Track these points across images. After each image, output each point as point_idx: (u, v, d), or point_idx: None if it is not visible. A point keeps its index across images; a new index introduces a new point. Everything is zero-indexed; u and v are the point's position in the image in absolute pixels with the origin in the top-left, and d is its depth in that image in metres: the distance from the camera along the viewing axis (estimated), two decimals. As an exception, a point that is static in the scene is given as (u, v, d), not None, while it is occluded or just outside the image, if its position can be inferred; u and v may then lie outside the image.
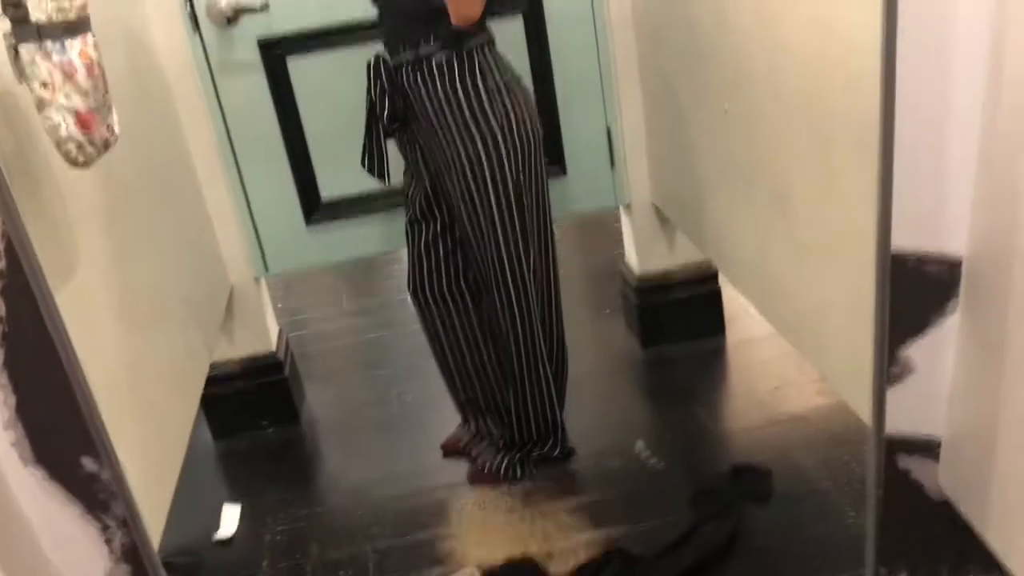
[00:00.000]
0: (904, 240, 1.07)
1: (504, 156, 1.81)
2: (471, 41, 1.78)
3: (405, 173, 2.00)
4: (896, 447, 1.22)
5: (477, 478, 2.13)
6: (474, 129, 1.79)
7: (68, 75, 1.12)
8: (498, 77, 1.80)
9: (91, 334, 1.34)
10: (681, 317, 2.54)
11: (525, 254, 1.92)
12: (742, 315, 2.58)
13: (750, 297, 1.89)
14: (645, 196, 2.42)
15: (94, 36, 1.20)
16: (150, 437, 1.54)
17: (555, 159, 2.37)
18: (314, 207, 2.38)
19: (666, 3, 1.99)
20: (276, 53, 2.22)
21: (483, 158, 1.81)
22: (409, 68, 1.80)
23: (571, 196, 2.42)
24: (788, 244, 1.58)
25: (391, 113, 1.83)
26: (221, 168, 2.25)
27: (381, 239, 2.41)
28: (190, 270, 2.01)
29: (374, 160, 1.91)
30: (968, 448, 1.18)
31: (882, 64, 0.89)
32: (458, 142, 1.81)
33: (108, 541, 1.15)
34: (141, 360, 1.55)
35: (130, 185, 1.67)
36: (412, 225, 2.02)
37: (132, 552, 1.16)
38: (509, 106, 1.80)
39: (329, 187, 2.36)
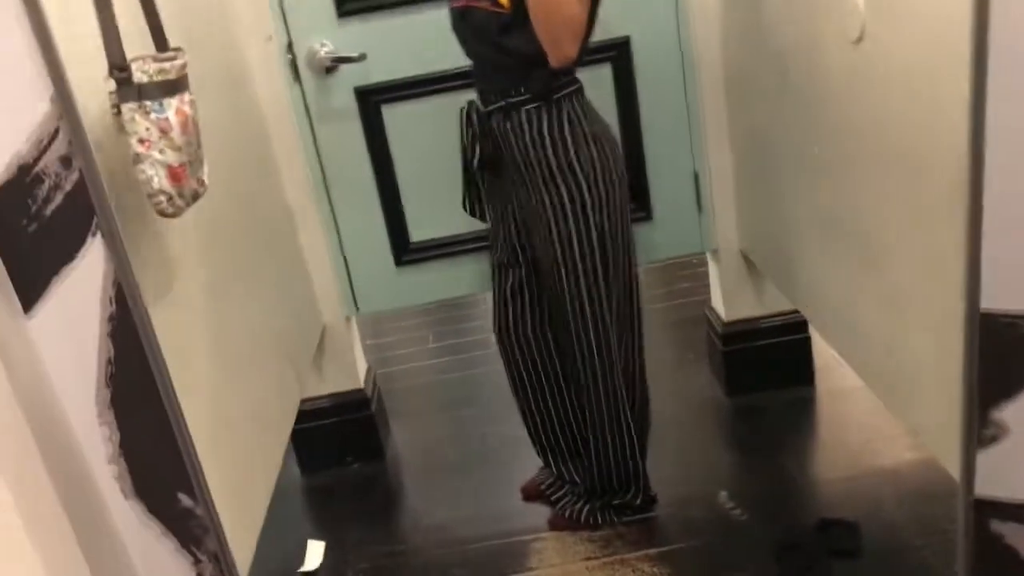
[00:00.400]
0: (997, 300, 1.05)
1: (589, 205, 1.83)
2: (560, 91, 1.81)
3: (492, 217, 2.04)
4: (988, 511, 1.19)
5: (558, 523, 2.13)
6: (559, 178, 1.82)
7: (164, 131, 1.19)
8: (586, 127, 1.83)
9: (188, 374, 1.40)
10: (769, 366, 2.50)
11: (608, 302, 1.92)
12: (833, 365, 2.52)
13: (838, 348, 1.85)
14: (733, 242, 2.40)
15: (191, 94, 1.27)
16: (240, 473, 1.59)
17: (641, 204, 2.38)
18: (404, 249, 2.44)
19: (755, 46, 1.99)
20: (372, 100, 2.30)
21: (567, 207, 1.83)
22: (500, 116, 1.85)
23: (657, 241, 2.43)
24: (877, 296, 1.55)
25: (480, 158, 1.89)
26: (316, 211, 2.34)
27: (468, 281, 2.45)
28: (284, 310, 2.08)
29: (473, 202, 2.02)
30: (1066, 516, 1.14)
31: (970, 118, 0.88)
32: (543, 191, 1.84)
33: (199, 574, 1.19)
34: (234, 399, 1.61)
35: (229, 229, 1.74)
36: (499, 269, 2.05)
37: (222, 586, 1.20)
38: (596, 155, 1.82)
39: (419, 230, 2.42)
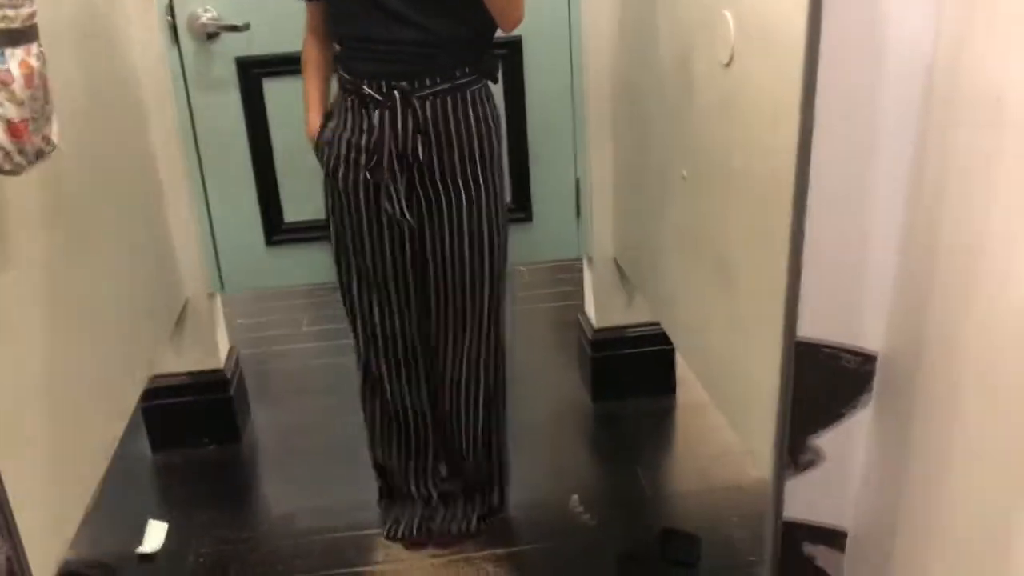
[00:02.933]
0: (819, 330, 1.08)
1: (503, 192, 1.82)
2: (496, 71, 1.77)
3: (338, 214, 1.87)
4: (801, 533, 1.22)
5: (448, 542, 2.04)
6: (491, 165, 1.78)
7: (4, 83, 1.12)
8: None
9: (15, 336, 1.33)
10: (633, 374, 2.54)
11: (502, 292, 1.89)
12: (694, 379, 2.57)
13: (689, 361, 1.89)
14: (607, 249, 2.43)
15: (40, 46, 1.20)
16: (67, 445, 1.52)
17: (522, 205, 2.38)
18: (276, 228, 2.37)
19: (639, 60, 2.01)
20: (253, 73, 2.23)
21: (498, 192, 1.80)
22: (438, 100, 1.69)
23: (535, 243, 2.43)
24: (724, 316, 1.59)
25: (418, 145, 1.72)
26: (186, 182, 2.25)
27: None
28: (137, 282, 2.00)
29: (396, 200, 1.76)
30: (871, 542, 1.18)
31: (797, 157, 0.90)
32: (480, 178, 1.77)
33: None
34: (65, 368, 1.53)
35: (80, 193, 1.66)
36: (376, 287, 1.90)
37: (14, 566, 1.14)
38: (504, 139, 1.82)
39: (293, 210, 2.36)
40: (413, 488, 2.09)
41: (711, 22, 1.52)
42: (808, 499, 1.18)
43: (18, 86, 1.16)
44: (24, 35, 1.18)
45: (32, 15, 1.20)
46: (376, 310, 1.91)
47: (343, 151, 1.77)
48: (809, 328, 1.08)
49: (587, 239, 2.44)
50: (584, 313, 2.63)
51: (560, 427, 2.51)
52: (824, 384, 1.12)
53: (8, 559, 1.10)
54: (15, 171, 1.20)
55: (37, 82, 1.20)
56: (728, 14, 1.45)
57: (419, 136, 1.71)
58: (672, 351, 2.53)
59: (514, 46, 2.25)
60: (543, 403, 2.60)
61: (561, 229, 2.44)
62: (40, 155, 1.24)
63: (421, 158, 1.72)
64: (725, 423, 2.35)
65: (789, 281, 0.99)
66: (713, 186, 1.60)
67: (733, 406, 1.61)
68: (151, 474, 2.43)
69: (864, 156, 0.95)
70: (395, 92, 1.68)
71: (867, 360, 1.12)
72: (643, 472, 2.25)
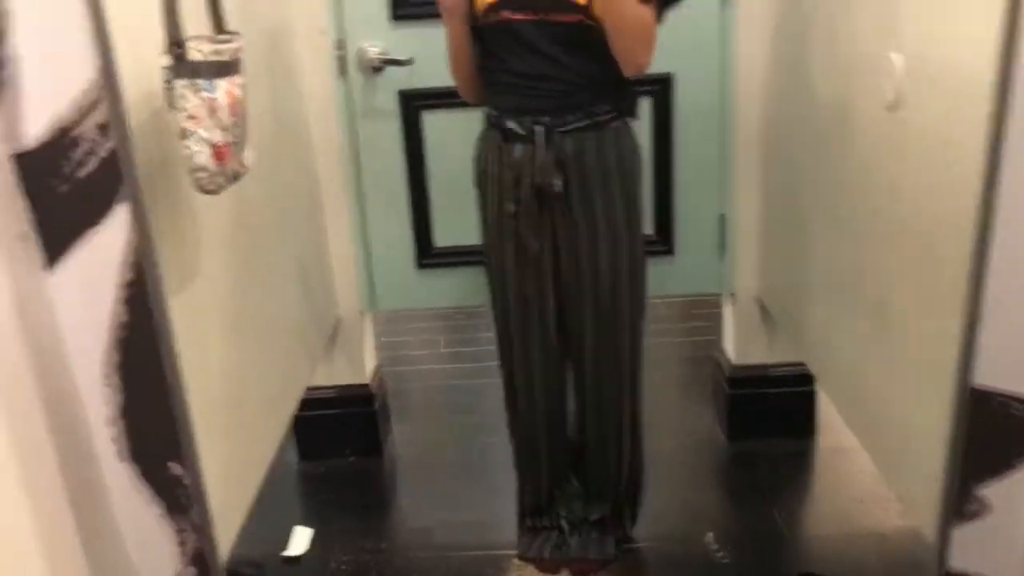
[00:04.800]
0: (991, 378, 1.06)
1: (641, 227, 1.85)
2: (636, 108, 1.80)
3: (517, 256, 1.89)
4: (962, 586, 1.19)
5: (589, 569, 2.05)
6: (628, 198, 1.80)
7: (212, 110, 1.23)
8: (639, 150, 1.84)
9: (198, 347, 1.43)
10: (772, 414, 2.50)
11: (641, 322, 1.92)
12: (836, 422, 2.51)
13: (839, 406, 1.86)
14: (750, 287, 2.41)
15: (242, 77, 1.31)
16: (236, 450, 1.62)
17: (664, 239, 2.40)
18: (426, 252, 2.47)
19: (796, 98, 2.01)
20: (414, 105, 2.34)
21: (632, 226, 1.81)
22: (577, 136, 1.73)
23: (676, 277, 2.44)
24: (881, 361, 1.56)
25: (561, 182, 1.75)
26: (346, 205, 2.38)
27: (486, 292, 2.47)
28: (301, 297, 2.12)
29: (532, 232, 1.82)
30: (1038, 601, 1.14)
31: (981, 196, 0.89)
32: (615, 211, 1.79)
33: (182, 543, 1.22)
34: (240, 376, 1.64)
35: (258, 211, 1.78)
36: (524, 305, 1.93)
37: (201, 557, 1.23)
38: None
39: (443, 235, 2.45)
40: (553, 512, 2.12)
41: (875, 64, 1.51)
42: (971, 550, 1.15)
43: (224, 113, 1.27)
44: (230, 67, 1.30)
45: (239, 49, 1.32)
46: (520, 338, 1.96)
47: (489, 185, 1.85)
48: (980, 376, 1.06)
49: (730, 275, 2.43)
50: (721, 349, 2.61)
51: (695, 463, 2.49)
52: (994, 433, 1.09)
53: (197, 549, 1.20)
54: (216, 190, 1.32)
55: (239, 110, 1.31)
56: (895, 56, 1.45)
57: (558, 171, 1.75)
58: (814, 393, 2.48)
59: (665, 82, 2.28)
60: (677, 438, 2.59)
61: (703, 264, 2.44)
62: (236, 177, 1.36)
63: (560, 192, 1.76)
64: (868, 468, 2.31)
65: (966, 327, 0.98)
66: (874, 228, 1.59)
67: (887, 452, 1.58)
68: (297, 481, 2.55)
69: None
70: (536, 127, 1.73)
71: (1040, 412, 1.09)
72: (780, 513, 2.21)
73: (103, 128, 1.00)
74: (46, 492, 1.10)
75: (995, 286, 0.96)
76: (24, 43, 0.96)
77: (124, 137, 1.00)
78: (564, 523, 2.11)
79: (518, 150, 1.76)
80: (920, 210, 1.37)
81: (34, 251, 1.05)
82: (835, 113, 1.74)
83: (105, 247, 1.05)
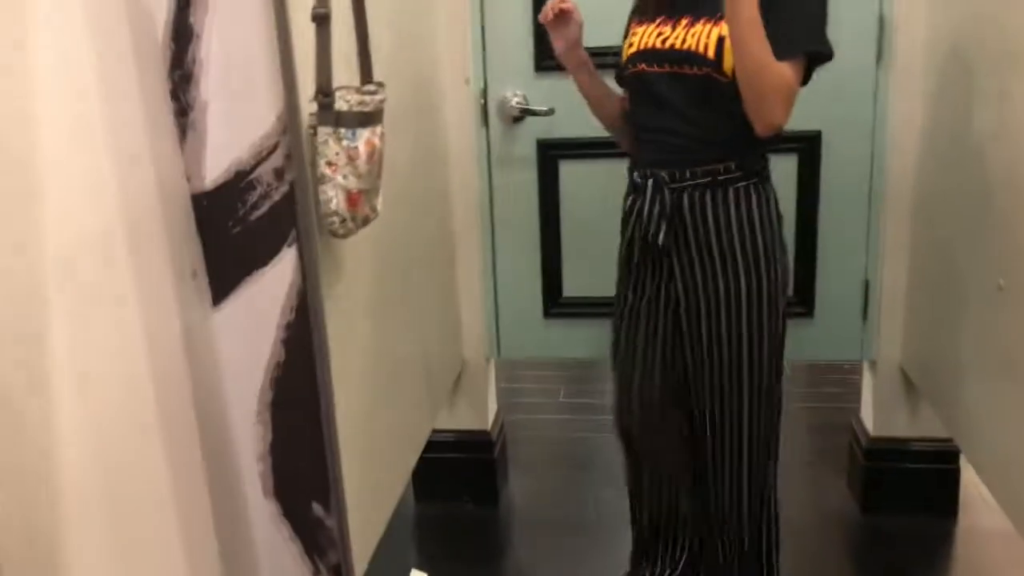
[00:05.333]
0: None
1: (779, 293, 1.73)
2: (765, 170, 1.71)
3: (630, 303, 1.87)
4: None
5: None
6: (762, 263, 1.70)
7: (351, 158, 1.26)
8: (777, 210, 1.74)
9: (342, 388, 1.45)
10: (911, 489, 2.37)
11: (772, 393, 1.81)
12: (979, 503, 2.36)
13: (992, 488, 1.74)
14: (894, 356, 2.30)
15: (383, 128, 1.34)
16: (367, 491, 1.63)
17: (804, 300, 2.33)
18: (554, 301, 2.46)
19: (957, 164, 1.92)
20: (551, 154, 2.35)
21: (764, 293, 1.71)
22: (697, 193, 1.68)
23: (815, 341, 2.35)
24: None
25: (665, 235, 1.71)
26: (479, 251, 2.39)
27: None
28: (432, 341, 2.14)
29: (639, 281, 1.81)
30: None
31: None
32: (741, 275, 1.71)
33: (316, 584, 1.23)
34: (378, 419, 1.66)
35: (396, 255, 1.81)
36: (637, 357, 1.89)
37: (334, 599, 1.23)
38: (783, 243, 1.74)
39: (572, 285, 2.44)
40: None
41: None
42: None
43: (361, 162, 1.29)
44: (372, 118, 1.32)
45: (382, 101, 1.35)
46: (623, 386, 1.93)
47: (623, 234, 1.83)
48: None
49: (872, 342, 2.33)
50: (859, 419, 2.49)
51: (826, 536, 2.37)
52: None
53: (336, 566, 1.20)
54: (346, 235, 1.34)
55: (376, 159, 1.33)
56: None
57: (666, 225, 1.71)
58: (958, 471, 2.34)
59: (813, 139, 2.22)
60: (808, 509, 2.47)
61: (844, 329, 2.35)
62: (366, 222, 1.38)
63: (665, 247, 1.72)
64: (1011, 557, 2.16)
65: None
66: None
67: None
68: (413, 524, 2.55)
69: None
70: (650, 180, 1.71)
71: None
72: (917, 598, 2.08)
73: (279, 172, 1.03)
74: (195, 518, 1.12)
75: None
76: (211, 88, 1.00)
77: (302, 183, 1.03)
78: None
79: (635, 202, 1.75)
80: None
81: (203, 288, 1.09)
82: (1003, 178, 1.66)
83: (270, 288, 1.07)
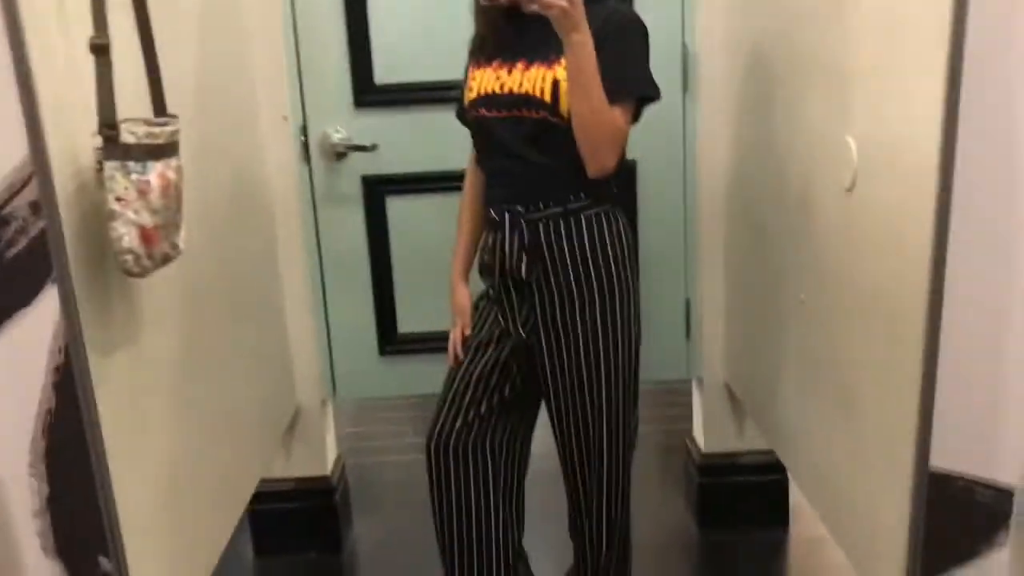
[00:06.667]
0: (951, 461, 1.03)
1: (633, 317, 1.79)
2: (614, 198, 1.77)
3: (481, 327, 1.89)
4: None
5: None
6: (615, 289, 1.75)
7: (142, 192, 1.21)
8: (630, 238, 1.80)
9: (136, 433, 1.37)
10: (743, 503, 2.45)
11: (629, 423, 1.87)
12: (810, 512, 2.45)
13: (807, 493, 1.81)
14: (718, 373, 2.39)
15: (178, 160, 1.29)
16: (182, 543, 1.55)
17: (631, 324, 2.38)
18: (390, 339, 2.44)
19: (756, 183, 2.02)
20: (378, 190, 2.34)
21: (618, 319, 1.76)
22: (551, 224, 1.73)
23: (645, 362, 2.39)
24: (847, 447, 1.53)
25: (527, 265, 1.74)
26: (307, 290, 2.34)
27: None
28: (257, 385, 2.07)
29: (508, 317, 1.81)
30: None
31: (930, 284, 0.88)
32: (596, 300, 1.75)
33: (111, 646, 1.15)
34: (186, 467, 1.58)
35: (208, 295, 1.74)
36: (475, 350, 1.88)
37: (130, 661, 1.15)
38: (635, 270, 1.80)
39: (407, 321, 2.42)
40: None
41: (833, 148, 1.52)
42: (941, 646, 1.10)
43: (155, 196, 1.24)
44: (165, 150, 1.27)
45: (175, 132, 1.30)
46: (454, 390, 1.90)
47: (481, 272, 1.86)
48: (941, 459, 1.03)
49: (696, 361, 2.41)
50: (692, 438, 2.56)
51: (665, 555, 2.42)
52: (957, 519, 1.06)
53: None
54: (142, 274, 1.28)
55: (172, 192, 1.28)
56: (851, 140, 1.46)
57: (525, 256, 1.74)
58: (786, 481, 2.43)
59: (630, 169, 2.29)
60: (647, 528, 2.51)
61: (670, 350, 2.42)
62: (166, 260, 1.32)
63: (527, 278, 1.75)
64: (844, 560, 2.24)
65: (921, 410, 0.95)
66: (834, 310, 1.57)
67: (855, 542, 1.52)
68: (252, 578, 2.44)
69: (1002, 284, 0.92)
70: (506, 215, 1.75)
71: (1003, 495, 1.05)
72: (753, 608, 2.14)
73: (34, 206, 0.97)
74: (-39, 591, 1.03)
75: (949, 365, 0.94)
76: (-45, 120, 0.94)
77: (55, 218, 0.97)
78: None
79: (493, 237, 1.78)
80: (879, 292, 1.36)
81: (-40, 333, 1.01)
82: (797, 195, 1.75)
83: (34, 329, 1.01)
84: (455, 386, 1.88)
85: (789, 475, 2.41)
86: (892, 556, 1.32)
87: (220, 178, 1.84)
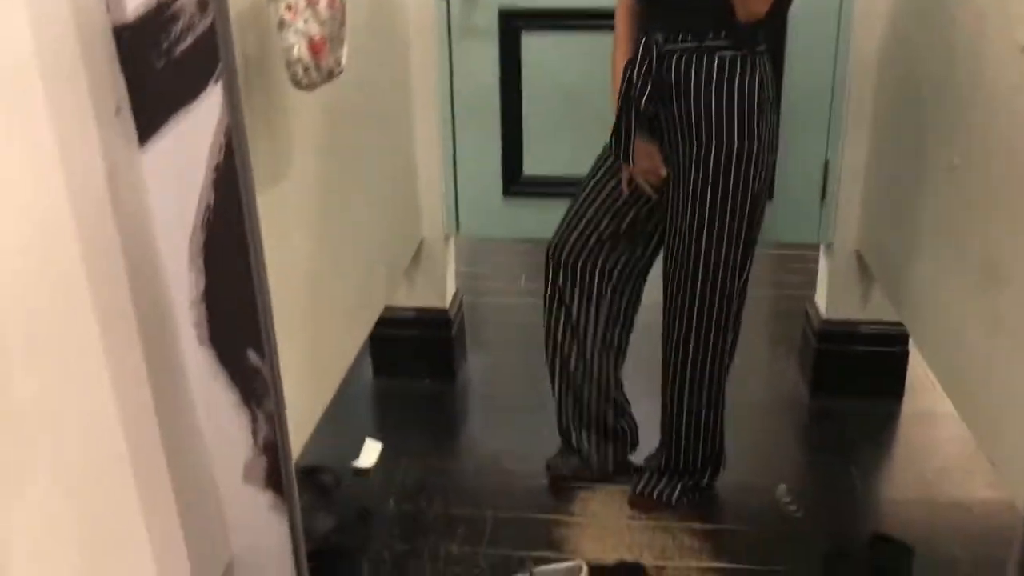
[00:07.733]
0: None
1: (754, 169, 1.74)
2: (760, 45, 1.71)
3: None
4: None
5: (643, 505, 2.04)
6: (736, 134, 1.72)
7: (311, 3, 1.21)
8: (770, 92, 1.75)
9: (281, 243, 1.43)
10: (860, 372, 2.41)
11: (742, 271, 1.86)
12: (927, 386, 2.41)
13: (935, 369, 1.77)
14: (850, 239, 2.31)
15: (343, -27, 1.28)
16: (315, 351, 1.63)
17: (763, 182, 2.31)
18: (515, 180, 2.43)
19: (917, 44, 1.89)
20: (513, 26, 2.28)
21: (733, 165, 1.73)
22: (684, 57, 1.71)
23: (773, 224, 2.34)
24: (986, 322, 1.47)
25: (649, 96, 1.74)
26: (437, 125, 2.35)
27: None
28: (386, 212, 2.11)
29: (621, 142, 1.80)
30: None
31: None
32: (716, 141, 1.72)
33: (255, 432, 1.23)
34: (324, 278, 1.65)
35: (351, 120, 1.77)
36: (598, 183, 1.93)
37: (272, 448, 1.24)
38: (770, 122, 1.75)
39: (534, 163, 2.41)
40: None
41: (1007, 3, 1.40)
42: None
43: (322, 6, 1.24)
44: None
45: (342, -58, 1.29)
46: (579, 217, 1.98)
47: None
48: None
49: (829, 225, 2.33)
50: (813, 303, 2.52)
51: (774, 416, 2.43)
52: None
53: (269, 440, 1.20)
54: (310, 86, 1.30)
55: (338, 5, 1.28)
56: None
57: (655, 87, 1.74)
58: (907, 354, 2.38)
59: (781, 16, 2.16)
60: (759, 389, 2.53)
61: (802, 212, 2.34)
62: (331, 75, 1.33)
63: (645, 110, 1.76)
64: (956, 436, 2.22)
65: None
66: (989, 177, 1.48)
67: (985, 417, 1.49)
68: (370, 396, 2.58)
69: None
70: (643, 41, 1.74)
71: None
72: (858, 473, 2.14)
73: (202, 4, 0.98)
74: (127, 369, 1.11)
75: None
76: (129, -90, 0.95)
77: (223, 13, 0.98)
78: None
79: (630, 67, 1.77)
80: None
81: (129, 127, 1.05)
82: (965, 55, 1.63)
83: (198, 126, 1.04)
84: (580, 202, 1.95)
85: (913, 347, 2.36)
86: (1020, 432, 1.29)
87: (362, 7, 1.83)
